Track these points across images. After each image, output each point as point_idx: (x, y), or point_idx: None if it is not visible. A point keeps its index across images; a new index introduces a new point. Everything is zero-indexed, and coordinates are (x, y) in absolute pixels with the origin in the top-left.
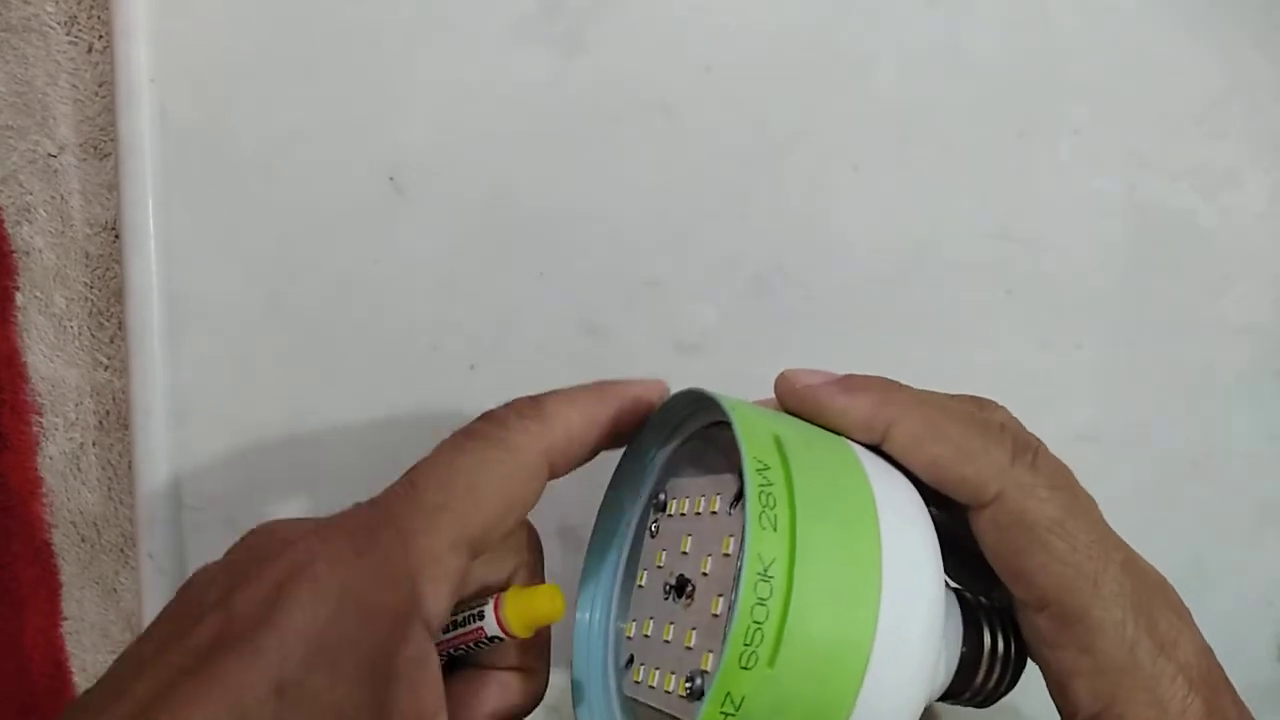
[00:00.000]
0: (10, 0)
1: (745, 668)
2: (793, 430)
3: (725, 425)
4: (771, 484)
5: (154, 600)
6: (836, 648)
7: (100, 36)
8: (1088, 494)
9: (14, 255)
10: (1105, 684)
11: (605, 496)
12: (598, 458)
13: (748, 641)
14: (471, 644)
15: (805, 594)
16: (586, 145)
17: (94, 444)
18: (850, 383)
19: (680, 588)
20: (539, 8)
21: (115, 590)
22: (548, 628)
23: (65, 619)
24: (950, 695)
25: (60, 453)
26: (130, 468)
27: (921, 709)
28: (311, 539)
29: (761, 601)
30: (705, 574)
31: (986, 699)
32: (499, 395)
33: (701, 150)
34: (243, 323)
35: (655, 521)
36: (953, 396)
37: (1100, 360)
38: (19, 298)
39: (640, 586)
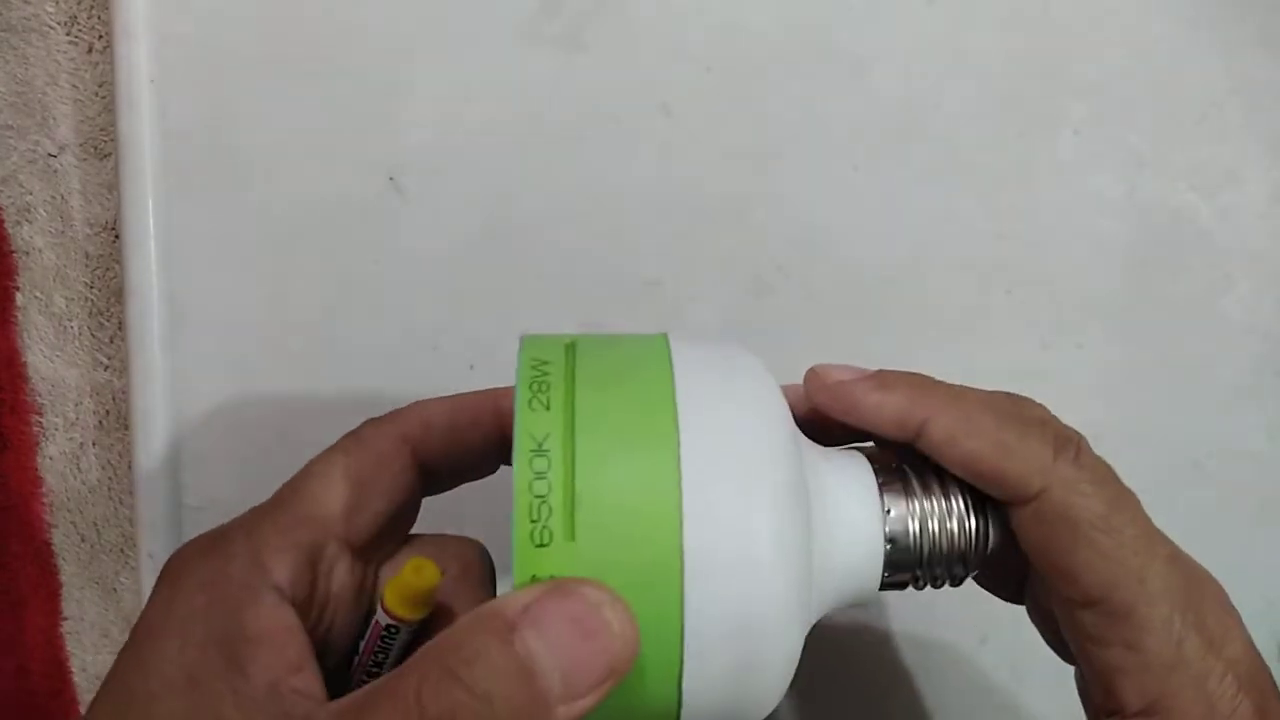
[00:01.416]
0: (10, 0)
1: (541, 544)
2: (602, 338)
3: None
4: (547, 374)
5: None
6: (641, 502)
7: (100, 36)
8: (1129, 490)
9: (14, 255)
10: (1152, 681)
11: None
12: None
13: (534, 518)
14: (380, 643)
15: (590, 458)
16: (586, 145)
17: (94, 444)
18: (883, 379)
19: None
20: (539, 8)
21: (115, 590)
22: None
23: (65, 619)
24: (901, 572)
25: (60, 453)
26: (130, 468)
27: (802, 578)
28: (180, 549)
29: (540, 475)
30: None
31: (953, 576)
32: None
33: (701, 150)
34: (243, 323)
35: None
36: (989, 393)
37: (1100, 360)
38: (19, 298)
39: None
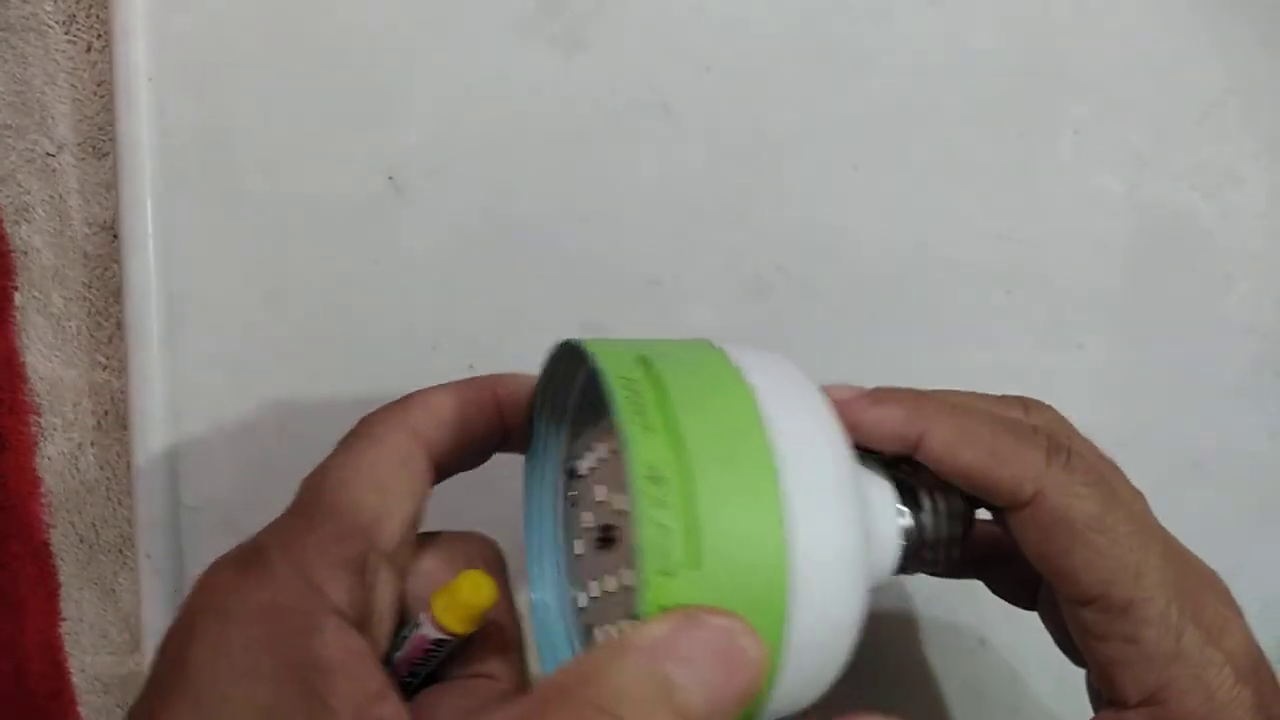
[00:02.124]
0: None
1: (668, 574)
2: (659, 346)
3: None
4: (639, 390)
5: (153, 601)
6: (753, 527)
7: (99, 35)
8: (1132, 488)
9: (12, 255)
10: (1152, 672)
11: (525, 490)
12: None
13: (660, 547)
14: (423, 655)
15: (705, 482)
16: (586, 145)
17: (92, 444)
18: (880, 395)
19: (606, 537)
20: (539, 7)
21: (114, 591)
22: (505, 621)
23: (64, 619)
24: (906, 567)
25: (59, 453)
26: (129, 468)
27: (864, 583)
28: (210, 574)
29: (660, 504)
30: (621, 511)
31: (942, 566)
32: None
33: (701, 150)
34: (242, 323)
35: (572, 491)
36: (997, 399)
37: (1100, 360)
38: (17, 297)
39: (580, 555)
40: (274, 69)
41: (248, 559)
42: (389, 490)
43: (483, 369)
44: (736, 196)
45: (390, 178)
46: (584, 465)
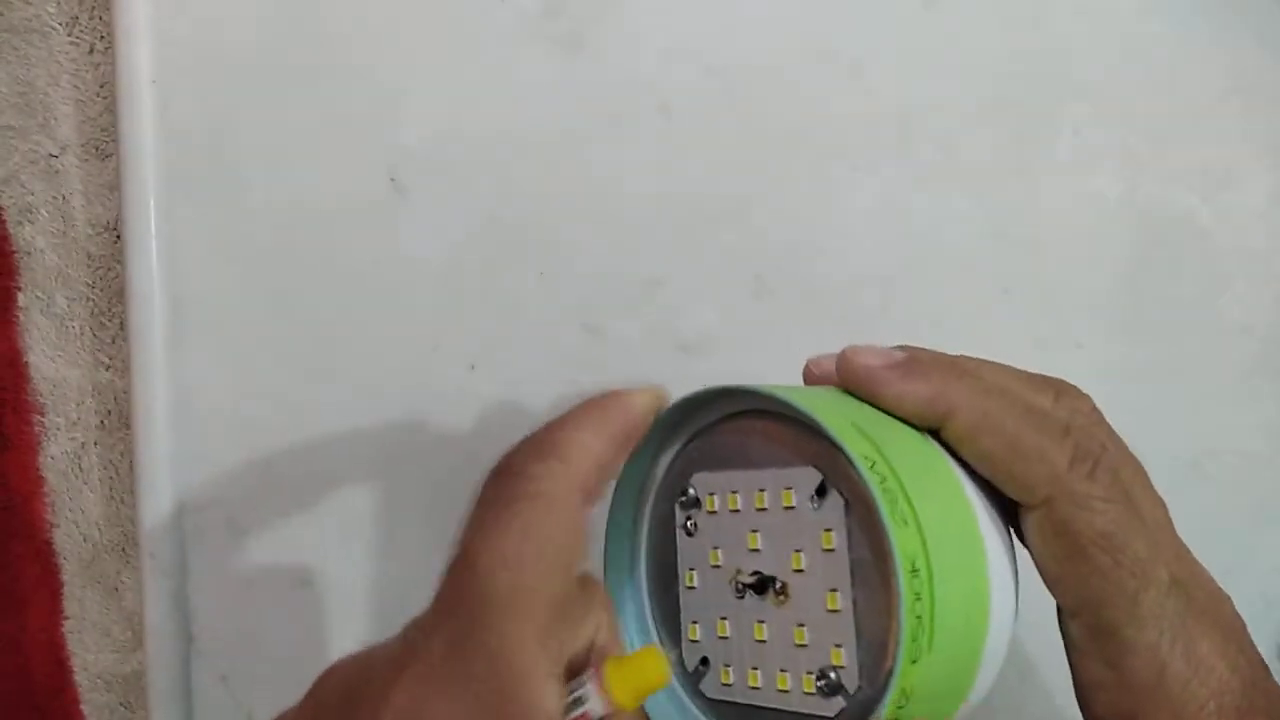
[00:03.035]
0: (12, 1)
1: (914, 661)
2: (860, 412)
3: (747, 415)
4: (885, 478)
5: (155, 600)
6: (968, 619)
7: (102, 37)
8: (1154, 496)
9: (16, 255)
10: (1128, 701)
11: (612, 503)
12: None
13: (914, 638)
14: None
15: (942, 579)
16: (586, 145)
17: (96, 444)
18: (910, 368)
19: (761, 586)
20: (539, 8)
21: (117, 590)
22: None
23: (67, 618)
24: None
25: (62, 453)
26: (132, 468)
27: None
28: (405, 680)
29: (918, 597)
30: (800, 570)
31: None
32: (499, 395)
33: (701, 150)
34: (243, 323)
35: (689, 519)
36: (1030, 379)
37: (1100, 360)
38: (21, 298)
39: (692, 588)
40: (276, 71)
41: (452, 664)
42: (568, 563)
43: (483, 369)
44: (736, 196)
45: (391, 179)
46: (720, 502)
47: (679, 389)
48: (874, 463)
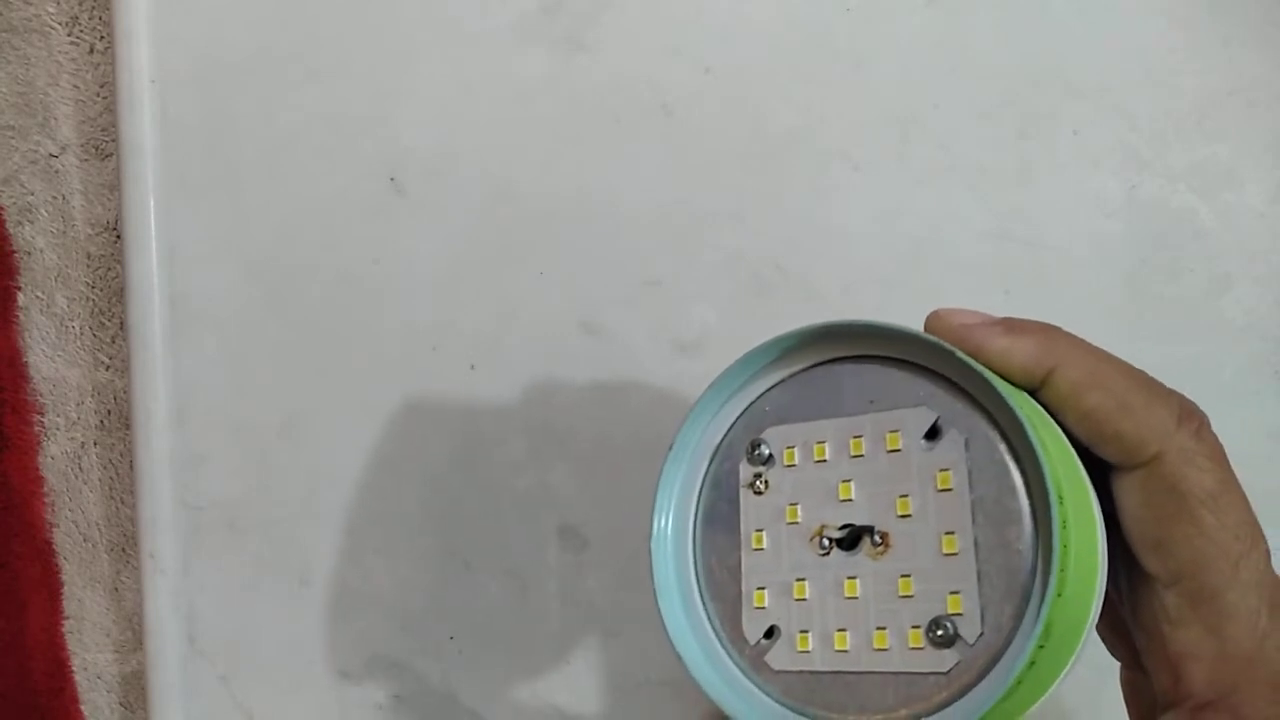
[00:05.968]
0: (12, 1)
1: (1060, 595)
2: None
3: (824, 364)
4: (1031, 415)
5: (155, 600)
6: (1089, 565)
7: (102, 37)
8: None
9: (16, 255)
10: (1228, 671)
11: (661, 494)
12: (604, 457)
13: (1063, 567)
14: None
15: (1076, 514)
16: (586, 145)
17: (95, 444)
18: (1012, 324)
19: (854, 539)
20: (539, 8)
21: (117, 590)
22: None
23: (67, 618)
24: None
25: (62, 452)
26: (132, 467)
27: None
28: None
29: (1064, 524)
30: (906, 516)
31: None
32: (499, 395)
33: (701, 150)
34: (243, 323)
35: (760, 477)
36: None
37: None
38: (21, 298)
39: (760, 549)
40: (274, 70)
41: None
42: None
43: (483, 369)
44: (736, 196)
45: (391, 178)
46: (800, 455)
47: (678, 389)
48: (1061, 500)
